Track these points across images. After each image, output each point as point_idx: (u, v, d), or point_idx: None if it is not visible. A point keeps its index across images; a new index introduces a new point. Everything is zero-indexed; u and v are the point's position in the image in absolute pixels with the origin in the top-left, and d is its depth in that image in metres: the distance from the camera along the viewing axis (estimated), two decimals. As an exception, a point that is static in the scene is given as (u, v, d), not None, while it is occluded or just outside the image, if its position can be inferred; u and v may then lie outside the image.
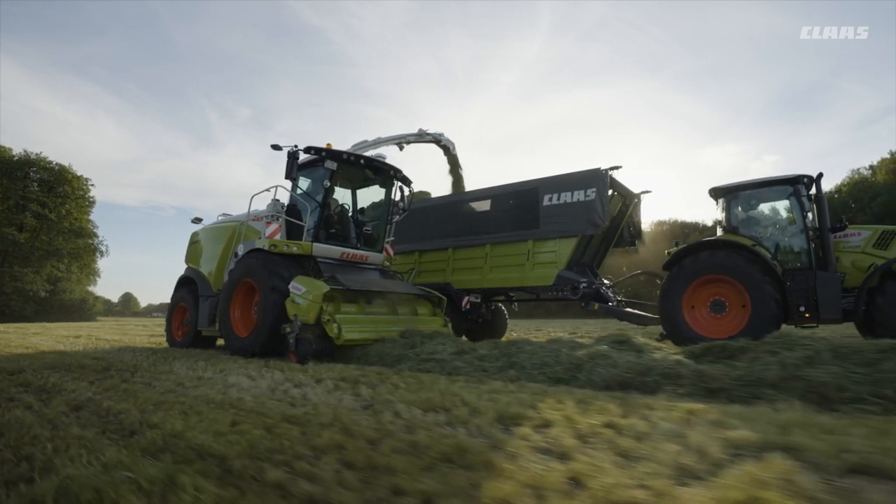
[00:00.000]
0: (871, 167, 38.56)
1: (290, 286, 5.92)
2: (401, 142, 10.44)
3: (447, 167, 11.46)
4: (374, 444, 2.07)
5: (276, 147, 6.75)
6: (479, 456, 1.90)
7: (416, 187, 9.94)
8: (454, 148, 11.22)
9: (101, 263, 47.59)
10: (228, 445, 2.01)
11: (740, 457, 1.95)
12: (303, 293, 5.76)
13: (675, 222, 45.37)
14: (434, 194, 11.13)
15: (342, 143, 9.80)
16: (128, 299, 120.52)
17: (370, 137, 10.19)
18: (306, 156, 7.04)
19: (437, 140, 10.95)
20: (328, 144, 7.13)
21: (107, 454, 1.84)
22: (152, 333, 14.71)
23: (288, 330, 5.68)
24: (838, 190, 38.14)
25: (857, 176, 38.91)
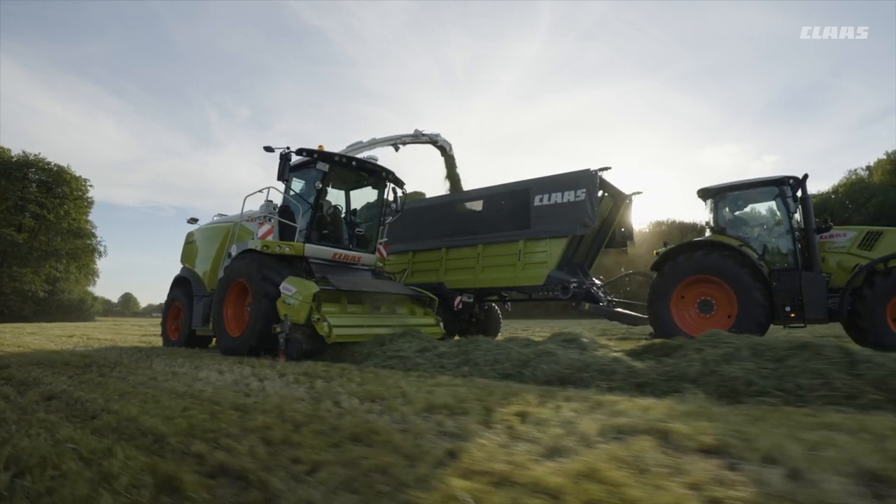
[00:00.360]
0: (868, 168, 38.77)
1: (280, 287, 6.05)
2: (396, 143, 10.51)
3: (444, 168, 11.48)
4: (298, 427, 2.37)
5: (268, 149, 6.86)
6: (385, 436, 2.20)
7: (415, 188, 10.11)
8: (451, 148, 11.24)
9: (101, 264, 48.02)
10: (171, 426, 2.31)
11: (614, 439, 2.24)
12: (293, 293, 5.88)
13: (674, 223, 45.59)
14: (431, 195, 11.26)
15: (341, 144, 9.97)
16: (127, 299, 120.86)
17: (365, 138, 10.34)
18: (299, 157, 7.17)
19: (434, 141, 10.99)
20: (320, 146, 7.24)
21: (61, 432, 2.14)
22: (145, 333, 15.01)
23: (278, 330, 5.82)
24: (835, 190, 38.38)
25: (853, 176, 39.14)
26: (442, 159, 11.49)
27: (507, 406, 2.94)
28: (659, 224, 45.59)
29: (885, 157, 37.35)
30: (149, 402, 2.96)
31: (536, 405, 2.98)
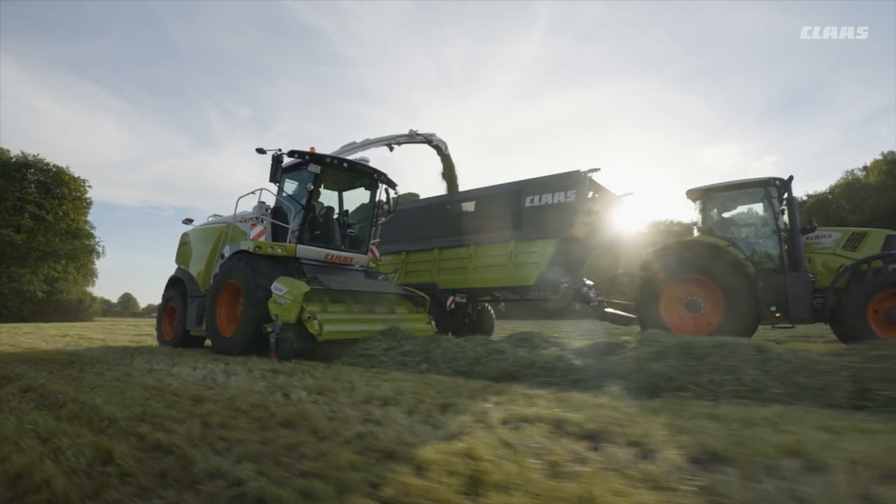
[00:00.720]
0: (865, 168, 38.76)
1: (272, 287, 6.13)
2: (391, 143, 10.55)
3: (441, 168, 11.50)
4: (239, 413, 2.68)
5: (260, 151, 6.99)
6: (312, 421, 2.51)
7: (414, 188, 10.23)
8: (446, 148, 11.26)
9: (100, 264, 48.32)
10: (127, 413, 2.63)
11: (513, 427, 2.54)
12: (284, 293, 5.98)
13: (672, 223, 45.78)
14: (430, 195, 11.16)
15: (339, 144, 10.07)
16: (127, 300, 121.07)
17: (359, 139, 10.35)
18: (290, 159, 7.28)
19: (429, 140, 11.01)
20: (312, 148, 7.36)
21: (27, 417, 2.45)
22: (139, 333, 15.29)
23: (269, 330, 5.91)
24: (832, 191, 38.56)
25: (850, 177, 39.24)
26: (439, 159, 11.51)
27: (437, 399, 3.24)
28: (658, 224, 45.73)
29: (881, 157, 37.36)
30: (115, 394, 3.27)
31: (466, 397, 3.29)
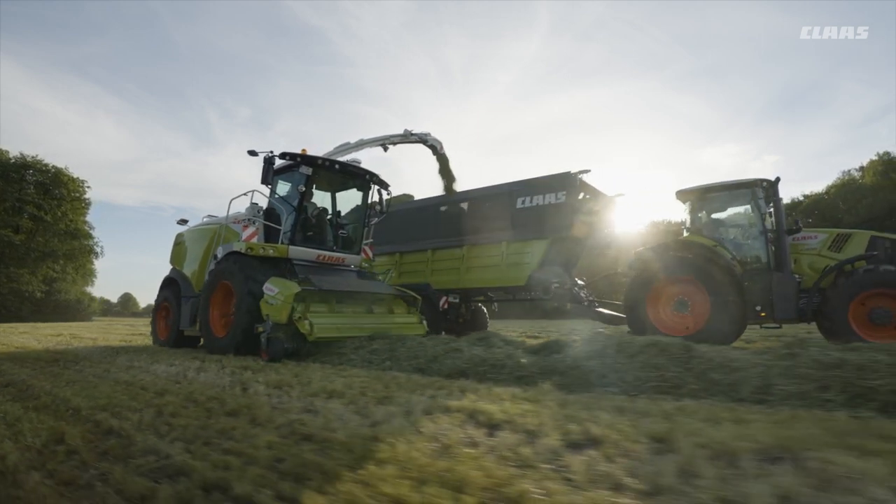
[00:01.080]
0: (861, 168, 38.82)
1: (263, 287, 6.23)
2: (385, 143, 10.54)
3: (438, 167, 11.32)
4: (191, 404, 3.00)
5: (252, 153, 7.12)
6: (255, 410, 2.83)
7: (412, 189, 10.33)
8: (442, 147, 11.17)
9: (100, 264, 48.77)
10: (90, 403, 2.95)
11: (431, 417, 2.85)
12: (275, 294, 6.06)
13: (670, 223, 45.76)
14: (429, 196, 11.19)
15: (336, 144, 10.32)
16: (127, 300, 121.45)
17: (353, 139, 10.40)
18: (282, 161, 7.43)
19: (424, 140, 10.94)
20: (304, 150, 7.51)
21: (0, 407, 2.78)
22: (133, 332, 15.60)
23: (261, 330, 5.99)
24: (828, 191, 38.74)
25: (846, 177, 39.36)
26: (434, 158, 11.34)
27: (380, 393, 3.55)
28: (657, 224, 45.75)
29: (876, 157, 37.42)
30: (87, 388, 3.59)
31: (407, 392, 3.60)
